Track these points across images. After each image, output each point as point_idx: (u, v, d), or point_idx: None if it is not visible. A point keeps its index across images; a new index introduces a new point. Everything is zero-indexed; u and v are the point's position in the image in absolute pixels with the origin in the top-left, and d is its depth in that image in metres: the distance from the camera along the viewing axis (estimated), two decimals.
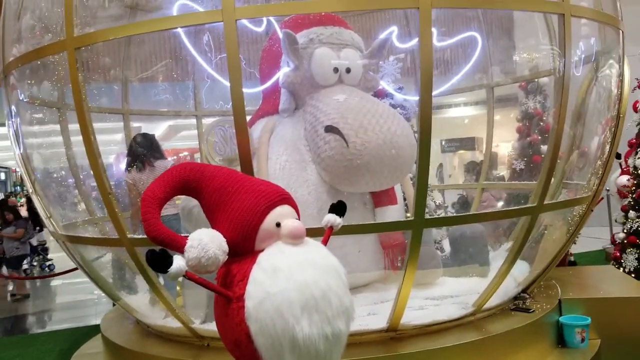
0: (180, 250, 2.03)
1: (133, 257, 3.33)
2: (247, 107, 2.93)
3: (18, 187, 33.09)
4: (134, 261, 3.36)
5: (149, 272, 3.35)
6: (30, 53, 3.65)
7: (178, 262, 1.94)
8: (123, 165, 4.86)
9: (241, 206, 2.15)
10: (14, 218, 9.45)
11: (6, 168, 34.72)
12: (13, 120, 4.17)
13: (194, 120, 6.30)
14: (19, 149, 4.19)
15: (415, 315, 3.53)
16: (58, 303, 8.76)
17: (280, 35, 4.16)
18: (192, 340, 3.64)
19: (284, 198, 2.22)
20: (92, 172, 3.22)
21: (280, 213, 2.16)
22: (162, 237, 2.05)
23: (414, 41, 5.35)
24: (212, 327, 3.48)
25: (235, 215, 2.15)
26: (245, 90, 2.91)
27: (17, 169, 36.74)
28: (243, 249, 2.14)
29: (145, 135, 4.88)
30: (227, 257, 2.06)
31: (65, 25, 3.12)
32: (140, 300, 4.29)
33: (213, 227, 2.19)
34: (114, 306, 5.32)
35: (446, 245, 4.83)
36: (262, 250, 2.12)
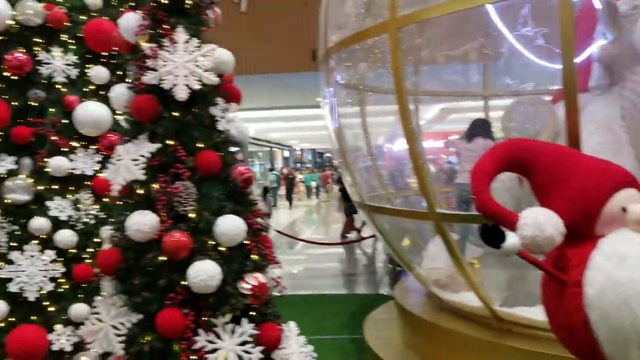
0: (511, 227, 1.98)
1: (440, 232, 3.40)
2: (548, 86, 2.72)
3: (298, 164, 37.74)
4: (440, 236, 3.43)
5: (454, 247, 3.39)
6: (352, 36, 3.95)
7: (512, 239, 1.90)
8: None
9: (580, 186, 2.00)
10: None
11: (289, 147, 39.40)
12: (330, 99, 4.63)
13: (464, 104, 6.16)
14: (334, 125, 4.65)
15: None
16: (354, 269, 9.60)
17: (598, 4, 3.81)
18: (489, 321, 3.57)
19: (629, 180, 2.01)
20: (407, 148, 3.37)
21: (626, 196, 1.96)
22: (493, 211, 2.02)
23: None
24: (514, 311, 3.39)
25: (573, 196, 2.01)
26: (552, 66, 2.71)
27: (298, 149, 41.34)
28: (580, 232, 1.99)
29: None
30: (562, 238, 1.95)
31: (389, 6, 3.29)
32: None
33: (544, 206, 2.09)
34: (401, 278, 5.59)
35: None
36: (601, 236, 1.95)
